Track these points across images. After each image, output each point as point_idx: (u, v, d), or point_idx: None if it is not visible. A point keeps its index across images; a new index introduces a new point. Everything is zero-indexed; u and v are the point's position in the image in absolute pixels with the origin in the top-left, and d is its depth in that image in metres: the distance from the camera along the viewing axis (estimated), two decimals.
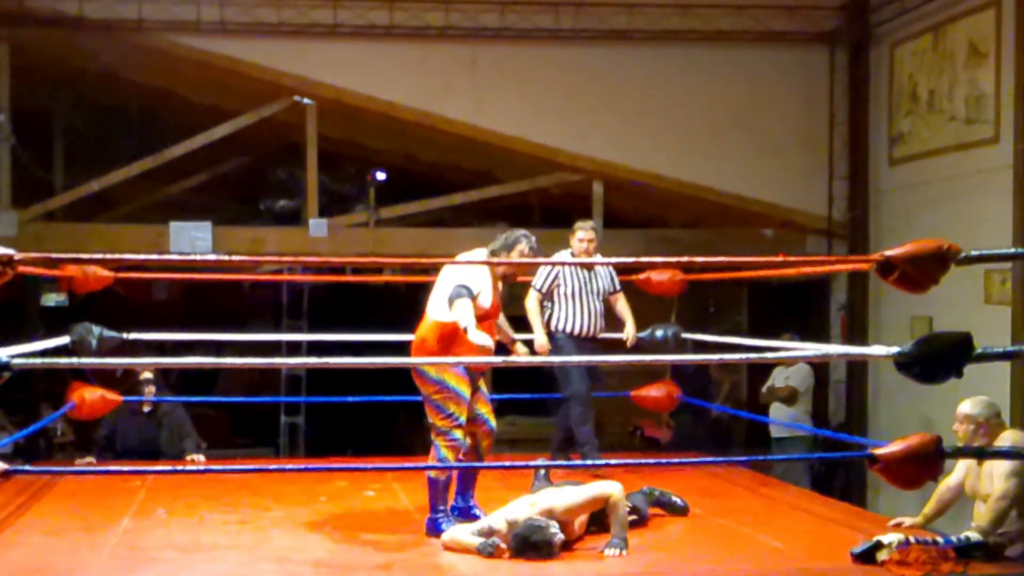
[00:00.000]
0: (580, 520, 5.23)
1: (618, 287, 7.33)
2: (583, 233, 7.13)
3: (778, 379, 9.72)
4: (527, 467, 6.19)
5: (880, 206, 10.50)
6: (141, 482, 6.72)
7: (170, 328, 8.82)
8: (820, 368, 10.14)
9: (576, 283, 7.21)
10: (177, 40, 10.07)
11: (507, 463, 6.51)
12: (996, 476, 5.23)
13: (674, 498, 6.06)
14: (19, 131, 10.15)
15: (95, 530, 5.66)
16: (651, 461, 6.57)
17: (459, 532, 5.22)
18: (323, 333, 8.84)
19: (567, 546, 5.11)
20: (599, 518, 5.27)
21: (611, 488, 5.17)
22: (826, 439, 8.81)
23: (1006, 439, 5.35)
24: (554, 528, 5.02)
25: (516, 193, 11.17)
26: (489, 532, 5.13)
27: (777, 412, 9.64)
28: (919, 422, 8.69)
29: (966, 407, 5.46)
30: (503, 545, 5.03)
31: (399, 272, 10.78)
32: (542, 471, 6.01)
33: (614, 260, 7.58)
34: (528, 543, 4.97)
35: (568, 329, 7.19)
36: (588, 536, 5.27)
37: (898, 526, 5.61)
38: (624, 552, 5.04)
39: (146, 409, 8.04)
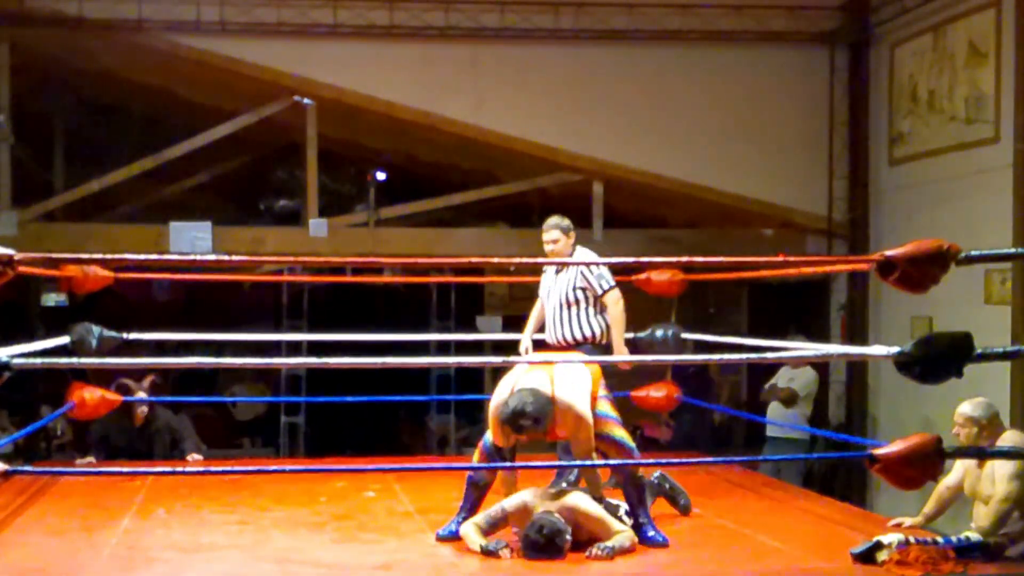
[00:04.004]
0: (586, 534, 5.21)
1: (600, 288, 6.37)
2: (544, 234, 6.43)
3: (782, 379, 9.64)
4: (527, 468, 6.17)
5: (880, 206, 10.50)
6: (141, 482, 6.72)
7: (170, 328, 8.82)
8: (820, 368, 10.14)
9: (545, 286, 6.61)
10: (177, 40, 10.07)
11: (509, 464, 6.49)
12: (998, 478, 5.22)
13: (680, 496, 6.04)
14: (19, 131, 10.15)
15: (95, 530, 5.66)
16: (651, 461, 6.55)
17: (470, 529, 5.20)
18: (323, 333, 8.84)
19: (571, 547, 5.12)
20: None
21: (629, 532, 5.17)
22: (826, 439, 8.81)
23: (1007, 440, 5.35)
24: (568, 534, 5.00)
25: (516, 193, 11.17)
26: (502, 514, 5.13)
27: (775, 412, 9.59)
28: (919, 422, 8.69)
29: (967, 409, 5.45)
30: (507, 550, 5.03)
31: (399, 272, 10.79)
32: (571, 475, 5.99)
33: (614, 260, 7.11)
34: (544, 538, 4.94)
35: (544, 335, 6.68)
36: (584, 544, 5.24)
37: (898, 526, 5.61)
38: (611, 557, 5.01)
39: (138, 424, 7.98)
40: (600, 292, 6.37)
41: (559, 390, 5.21)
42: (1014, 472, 5.19)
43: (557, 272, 6.45)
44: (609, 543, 5.03)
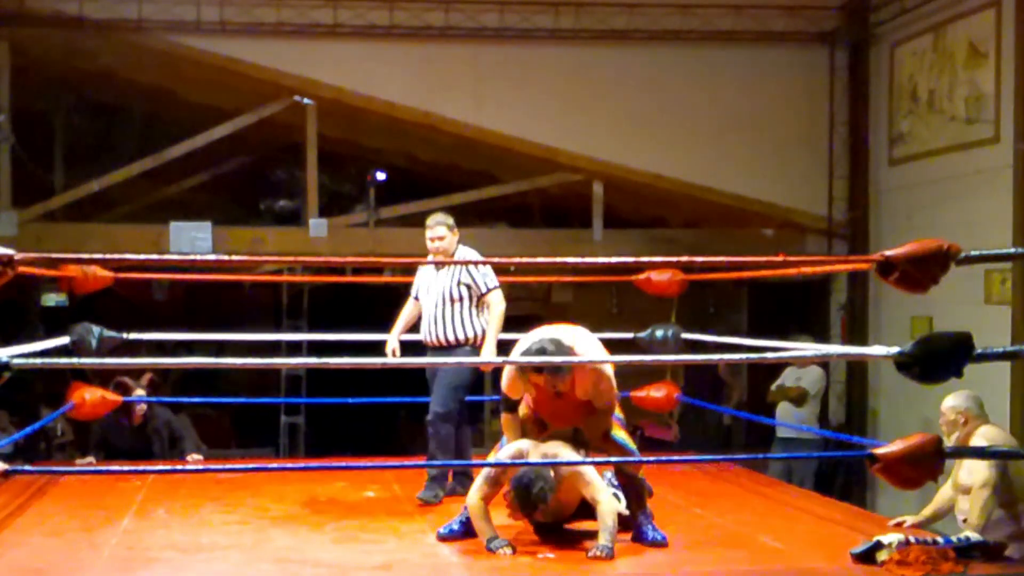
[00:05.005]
0: (570, 500, 5.20)
1: (485, 286, 6.28)
2: (428, 231, 6.29)
3: (788, 379, 9.58)
4: (526, 466, 6.16)
5: (880, 206, 10.51)
6: (141, 482, 6.72)
7: (170, 328, 8.82)
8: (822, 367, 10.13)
9: (423, 283, 6.44)
10: (177, 40, 10.08)
11: (508, 461, 6.49)
12: (974, 467, 5.35)
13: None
14: (19, 131, 10.15)
15: (95, 530, 5.65)
16: (651, 459, 6.54)
17: (478, 509, 5.18)
18: (323, 333, 8.84)
19: (556, 529, 5.11)
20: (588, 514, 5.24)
21: (610, 499, 5.15)
22: (826, 439, 8.80)
23: (982, 434, 5.45)
24: (550, 482, 5.00)
25: (516, 193, 11.19)
26: (496, 478, 5.15)
27: (784, 412, 9.53)
28: (919, 422, 8.69)
29: (948, 401, 5.63)
30: (509, 548, 5.04)
31: (399, 272, 10.78)
32: None
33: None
34: (528, 489, 4.95)
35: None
36: (585, 542, 5.23)
37: (898, 526, 5.62)
38: (611, 557, 4.98)
39: (136, 423, 7.97)
40: (484, 290, 6.27)
41: (579, 346, 5.22)
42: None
43: (438, 268, 6.34)
44: (604, 541, 5.01)
